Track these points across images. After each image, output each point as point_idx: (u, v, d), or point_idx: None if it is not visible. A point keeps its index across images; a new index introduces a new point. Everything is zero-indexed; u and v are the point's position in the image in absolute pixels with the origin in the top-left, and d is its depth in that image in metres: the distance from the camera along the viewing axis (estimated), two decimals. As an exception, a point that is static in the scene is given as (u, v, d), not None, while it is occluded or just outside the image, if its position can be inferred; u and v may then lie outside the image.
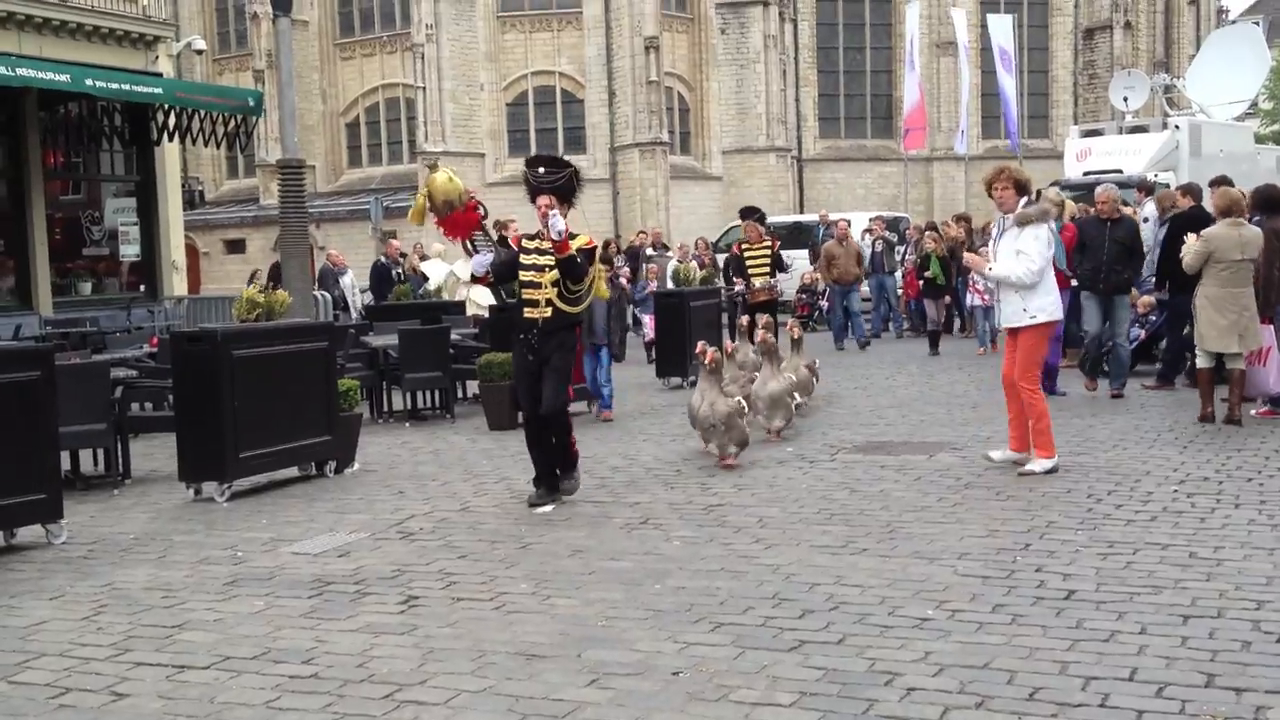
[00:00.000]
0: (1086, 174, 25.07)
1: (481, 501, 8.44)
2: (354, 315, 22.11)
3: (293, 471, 9.68)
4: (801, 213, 37.19)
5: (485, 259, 8.29)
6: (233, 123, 20.73)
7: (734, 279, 16.41)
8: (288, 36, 17.93)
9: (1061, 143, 41.13)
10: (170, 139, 20.87)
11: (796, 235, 27.95)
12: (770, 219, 29.87)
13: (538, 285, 8.04)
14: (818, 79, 42.50)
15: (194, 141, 21.41)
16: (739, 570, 6.18)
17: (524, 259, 8.15)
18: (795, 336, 12.08)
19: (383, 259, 21.73)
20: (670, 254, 22.68)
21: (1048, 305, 8.63)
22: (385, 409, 13.59)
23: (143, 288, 22.31)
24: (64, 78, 17.46)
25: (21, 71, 16.92)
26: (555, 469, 8.22)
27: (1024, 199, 8.82)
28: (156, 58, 22.46)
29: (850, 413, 12.24)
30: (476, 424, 12.45)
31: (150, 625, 5.62)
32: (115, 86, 18.45)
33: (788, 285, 21.29)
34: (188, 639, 5.38)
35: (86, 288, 21.73)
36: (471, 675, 4.73)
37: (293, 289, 14.20)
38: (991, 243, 9.09)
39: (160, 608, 5.93)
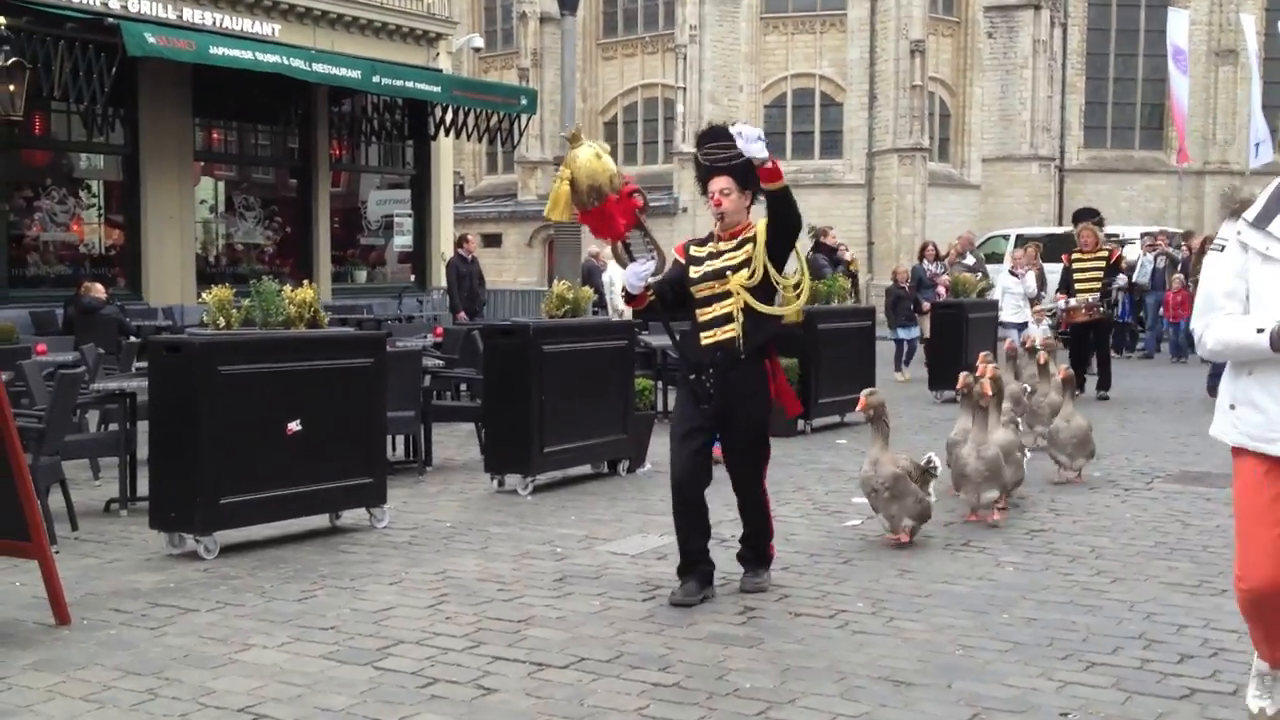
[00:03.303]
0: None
1: (786, 511, 8.27)
2: (611, 312, 22.31)
3: (585, 468, 9.74)
4: (1060, 225, 35.87)
5: (644, 268, 5.97)
6: (506, 120, 21.26)
7: (1056, 295, 15.05)
8: (571, 36, 18.22)
9: (1349, 160, 38.73)
10: (446, 134, 21.50)
11: (1054, 249, 26.27)
12: (1029, 230, 28.90)
13: (721, 297, 5.92)
14: (1085, 86, 40.89)
15: (468, 137, 22.06)
16: (1091, 604, 5.84)
17: (694, 271, 6.01)
18: (1062, 376, 9.61)
19: None
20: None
21: None
22: (661, 409, 13.60)
23: (413, 278, 23.05)
24: (355, 74, 18.24)
25: (318, 67, 17.74)
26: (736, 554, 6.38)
27: None
28: (437, 54, 23.16)
29: (1148, 437, 11.64)
30: (755, 429, 12.33)
31: (495, 618, 5.65)
32: (399, 84, 19.18)
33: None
34: (537, 635, 5.39)
35: (362, 275, 22.59)
36: (840, 698, 4.56)
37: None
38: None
39: (500, 600, 5.97)
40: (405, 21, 21.94)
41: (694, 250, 6.13)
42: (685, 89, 36.81)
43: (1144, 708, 4.45)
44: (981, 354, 9.47)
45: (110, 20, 15.85)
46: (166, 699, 4.59)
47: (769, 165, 5.77)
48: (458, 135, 21.54)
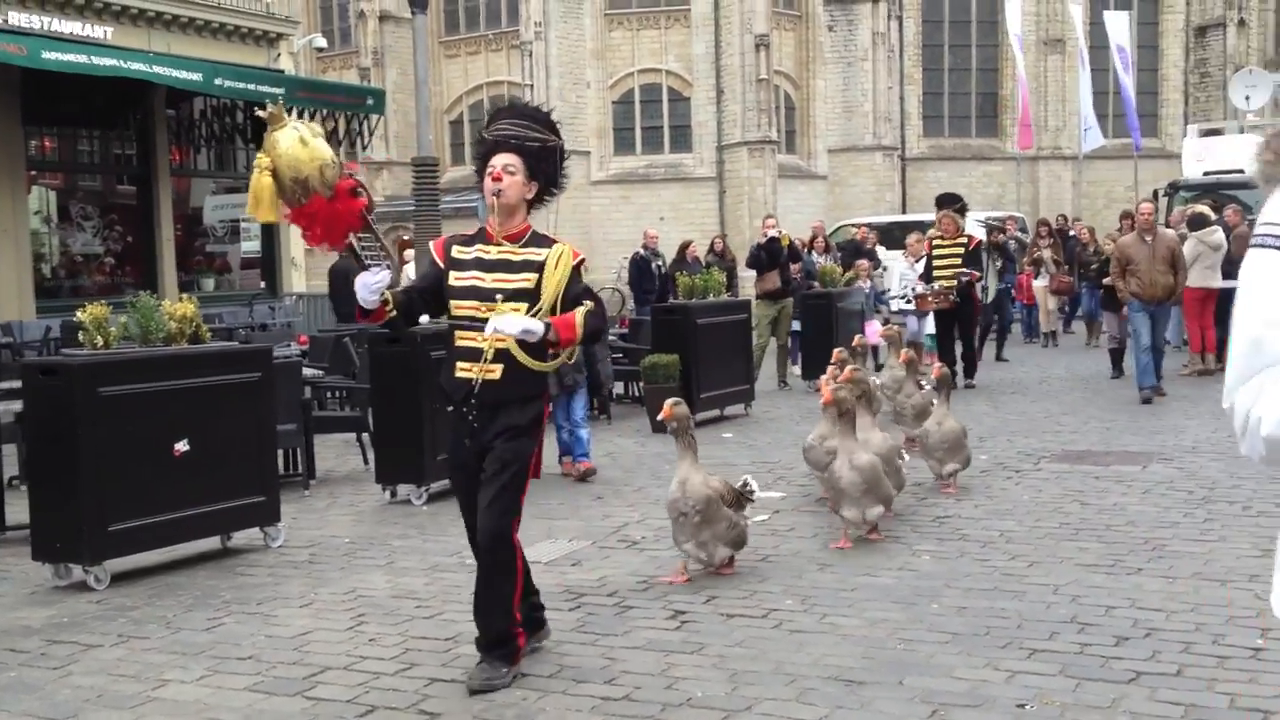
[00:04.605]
0: (1207, 174, 24.54)
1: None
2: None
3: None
4: (905, 213, 36.65)
5: (376, 279, 4.70)
6: (355, 121, 20.75)
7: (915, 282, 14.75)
8: (422, 35, 17.77)
9: (1171, 142, 40.34)
10: (292, 137, 20.88)
11: (897, 236, 26.00)
12: (876, 219, 29.28)
13: (484, 325, 4.73)
14: (922, 76, 41.85)
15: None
16: (1015, 590, 5.88)
17: (456, 278, 4.82)
18: (936, 375, 8.79)
19: (642, 250, 19.72)
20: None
21: None
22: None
23: (263, 284, 22.41)
24: (196, 76, 17.55)
25: (158, 69, 17.03)
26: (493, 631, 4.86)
27: None
28: (279, 55, 22.58)
29: (1023, 419, 11.87)
30: (636, 425, 12.27)
31: (421, 637, 5.43)
32: (242, 86, 18.55)
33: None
34: (469, 653, 5.15)
35: (209, 284, 21.85)
36: (796, 702, 4.48)
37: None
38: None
39: (421, 618, 5.75)
40: (244, 22, 21.31)
41: (457, 251, 4.87)
42: (532, 86, 36.52)
43: (1096, 694, 4.46)
44: (837, 350, 8.95)
45: (-68, 25, 15.02)
46: (85, 747, 4.29)
47: (554, 337, 4.71)
48: (305, 137, 20.92)
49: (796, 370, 16.02)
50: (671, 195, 37.16)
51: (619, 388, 14.23)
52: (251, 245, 22.45)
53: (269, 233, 22.33)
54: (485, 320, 4.71)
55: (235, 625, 5.73)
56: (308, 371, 9.77)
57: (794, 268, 16.32)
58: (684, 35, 37.69)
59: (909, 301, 15.56)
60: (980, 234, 16.44)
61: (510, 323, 4.63)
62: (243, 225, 22.33)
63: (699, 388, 12.25)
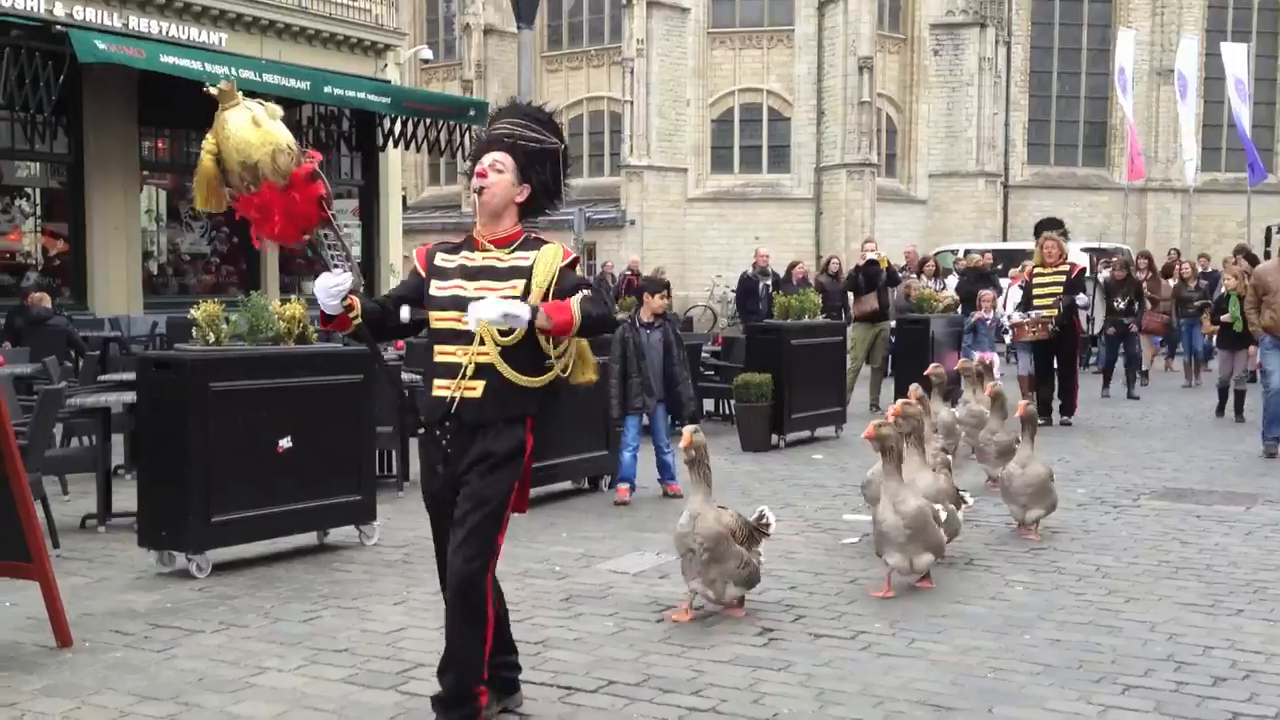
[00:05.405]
0: (1323, 213, 23.92)
1: (780, 529, 8.11)
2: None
3: (566, 484, 9.60)
4: (1005, 240, 36.21)
5: (336, 282, 4.20)
6: (456, 131, 21.03)
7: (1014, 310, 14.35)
8: (528, 48, 18.01)
9: (1286, 178, 39.40)
10: (395, 145, 21.23)
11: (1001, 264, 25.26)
12: (977, 246, 28.90)
13: (464, 337, 4.22)
14: (1028, 103, 41.35)
15: (417, 149, 21.83)
16: (1111, 625, 5.80)
17: (438, 288, 4.33)
18: (1021, 413, 7.93)
19: (751, 270, 19.97)
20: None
21: None
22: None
23: (362, 289, 22.76)
24: (304, 85, 17.95)
25: (268, 78, 17.42)
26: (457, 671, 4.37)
27: None
28: (385, 65, 22.98)
29: (1124, 454, 11.68)
30: (727, 443, 12.23)
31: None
32: (350, 95, 18.92)
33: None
34: (558, 658, 5.27)
35: (309, 287, 22.22)
36: (885, 724, 4.48)
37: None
38: None
39: (511, 622, 5.79)
40: (353, 32, 21.76)
41: (441, 259, 4.36)
42: (633, 102, 36.75)
43: (1193, 732, 4.40)
44: (913, 388, 8.16)
45: (57, 28, 15.52)
46: (187, 729, 4.42)
47: (544, 323, 4.09)
48: (406, 146, 21.27)
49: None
50: (768, 215, 37.12)
51: (709, 405, 14.27)
52: (352, 251, 22.82)
53: (368, 238, 22.79)
54: (467, 335, 4.20)
55: (331, 619, 5.87)
56: (405, 376, 9.90)
57: (909, 292, 16.15)
58: (786, 56, 37.67)
59: (1005, 332, 15.25)
60: (1083, 261, 16.14)
61: (489, 308, 4.03)
62: (344, 231, 22.74)
63: (791, 408, 12.25)
